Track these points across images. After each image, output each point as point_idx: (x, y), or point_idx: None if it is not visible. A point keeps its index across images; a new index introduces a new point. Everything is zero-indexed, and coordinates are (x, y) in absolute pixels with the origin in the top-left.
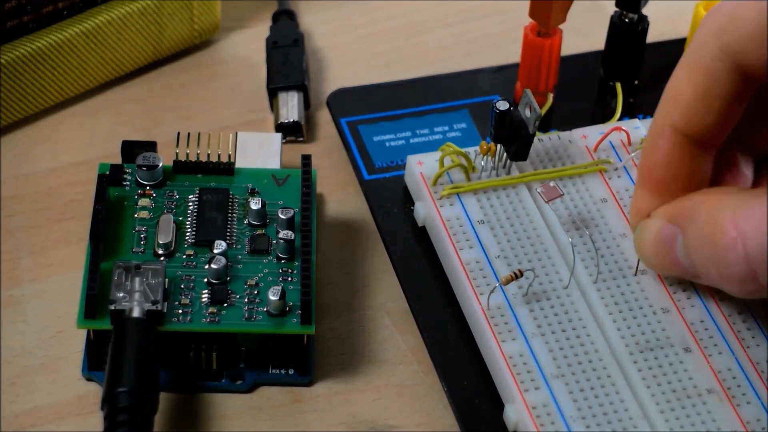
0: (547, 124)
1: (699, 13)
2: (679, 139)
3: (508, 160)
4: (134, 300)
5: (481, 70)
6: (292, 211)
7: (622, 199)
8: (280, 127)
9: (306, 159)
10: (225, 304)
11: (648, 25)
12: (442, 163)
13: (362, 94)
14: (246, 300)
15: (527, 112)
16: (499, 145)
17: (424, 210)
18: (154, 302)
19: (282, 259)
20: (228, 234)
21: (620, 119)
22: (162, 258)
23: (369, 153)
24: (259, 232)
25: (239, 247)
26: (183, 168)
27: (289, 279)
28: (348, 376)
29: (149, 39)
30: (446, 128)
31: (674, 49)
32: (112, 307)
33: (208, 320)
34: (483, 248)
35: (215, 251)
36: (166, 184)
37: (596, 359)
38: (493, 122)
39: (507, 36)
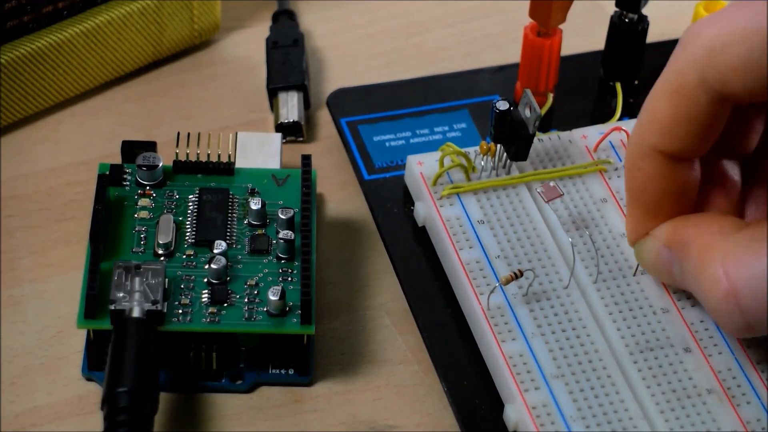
0: (547, 124)
1: (699, 13)
2: (661, 158)
3: (508, 160)
4: (134, 300)
5: (481, 70)
6: (292, 211)
7: (622, 199)
8: (280, 127)
9: (306, 159)
10: (225, 304)
11: (648, 25)
12: (442, 163)
13: (362, 94)
14: (246, 300)
15: (527, 112)
16: (499, 145)
17: (424, 210)
18: (154, 302)
19: (282, 259)
20: (228, 234)
21: (620, 119)
22: (162, 258)
23: (369, 153)
24: (259, 232)
25: (239, 247)
26: (183, 168)
27: (289, 279)
28: (348, 376)
29: (149, 39)
30: (446, 128)
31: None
32: (112, 307)
33: (208, 320)
34: (483, 248)
35: (215, 251)
36: (166, 184)
37: (596, 359)
38: (493, 122)
39: (507, 36)
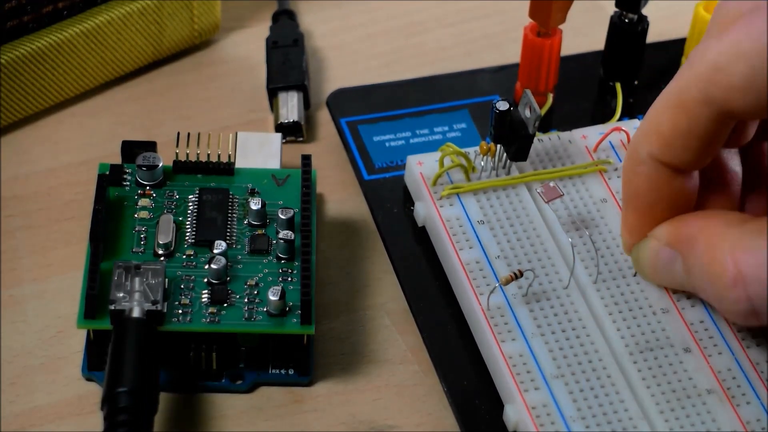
0: (547, 124)
1: (699, 13)
2: (659, 166)
3: (508, 160)
4: (134, 300)
5: (481, 70)
6: (292, 211)
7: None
8: (280, 127)
9: (306, 159)
10: (225, 304)
11: (648, 25)
12: (442, 164)
13: (362, 94)
14: (246, 300)
15: (527, 112)
16: (499, 145)
17: (424, 210)
18: (154, 302)
19: (282, 259)
20: (228, 234)
21: (620, 119)
22: (162, 258)
23: (369, 153)
24: (259, 232)
25: (239, 247)
26: (183, 168)
27: (289, 279)
28: (348, 376)
29: (149, 39)
30: (446, 128)
31: (674, 49)
32: (112, 307)
33: (208, 320)
34: (483, 248)
35: (215, 251)
36: (166, 184)
37: (596, 359)
38: (493, 122)
39: (507, 36)
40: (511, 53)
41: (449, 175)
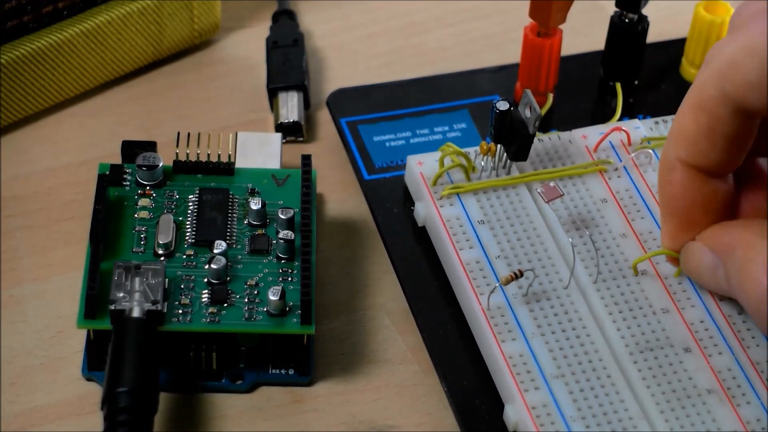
0: (547, 124)
1: (699, 13)
2: (690, 171)
3: (508, 160)
4: (134, 300)
5: (481, 70)
6: (292, 211)
7: (622, 199)
8: (280, 127)
9: (306, 159)
10: (225, 304)
11: (648, 25)
12: (442, 163)
13: (362, 94)
14: (246, 300)
15: (527, 112)
16: (499, 145)
17: (424, 210)
18: (154, 302)
19: (282, 259)
20: (228, 234)
21: (620, 119)
22: (162, 258)
23: (369, 153)
24: (259, 232)
25: (239, 247)
26: (183, 168)
27: (289, 279)
28: (348, 376)
29: (149, 39)
30: (446, 128)
31: (674, 49)
32: (112, 307)
33: (208, 320)
34: (483, 248)
35: (215, 251)
36: (166, 184)
37: (596, 359)
38: (493, 122)
39: (507, 36)
40: (511, 53)
41: (449, 175)
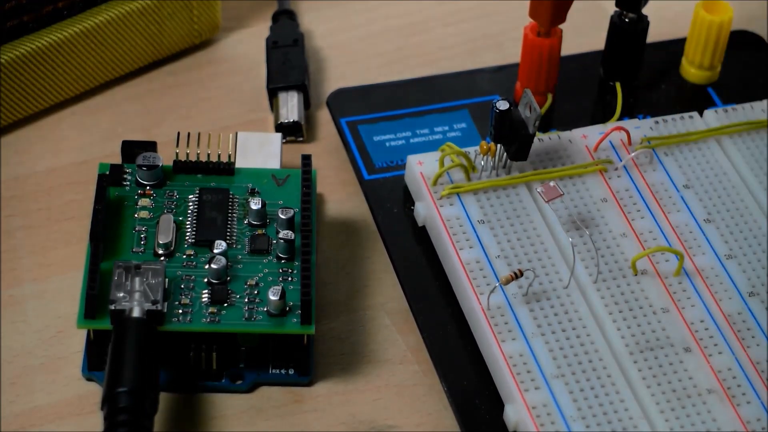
0: (547, 124)
1: (699, 13)
2: None
3: (508, 160)
4: (134, 300)
5: (481, 70)
6: (292, 211)
7: (622, 199)
8: (280, 127)
9: (306, 159)
10: (225, 304)
11: (648, 25)
12: (442, 163)
13: (362, 94)
14: (246, 300)
15: (527, 112)
16: (499, 145)
17: (424, 210)
18: (154, 302)
19: (282, 259)
20: (228, 234)
21: (620, 119)
22: (162, 258)
23: (369, 153)
24: (259, 232)
25: (239, 247)
26: (183, 168)
27: (289, 279)
28: (348, 376)
29: (149, 39)
30: (446, 128)
31: (674, 49)
32: (112, 307)
33: (208, 320)
34: (483, 248)
35: (215, 251)
36: (166, 184)
37: (596, 359)
38: (493, 122)
39: (507, 36)
40: (511, 53)
41: (449, 174)
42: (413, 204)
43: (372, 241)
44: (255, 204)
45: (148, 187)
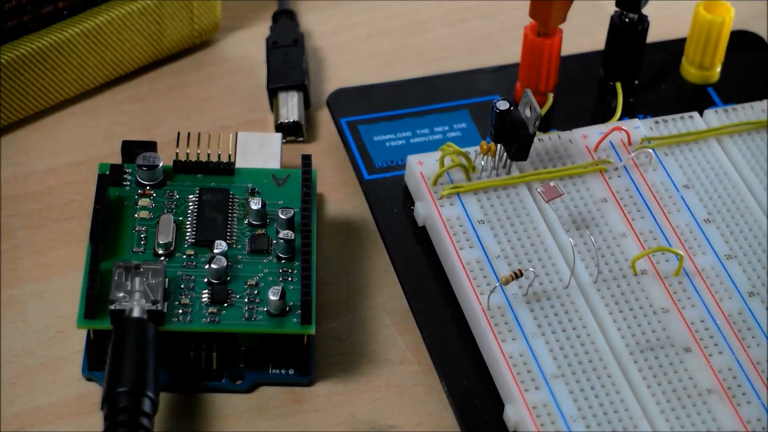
0: (547, 124)
1: (699, 13)
2: None
3: (508, 160)
4: (134, 300)
5: (481, 70)
6: (292, 211)
7: (622, 199)
8: (280, 127)
9: (306, 159)
10: (225, 304)
11: (648, 25)
12: (442, 163)
13: (362, 94)
14: (246, 300)
15: (527, 112)
16: (499, 145)
17: (424, 210)
18: (154, 302)
19: (282, 259)
20: (228, 234)
21: (620, 119)
22: (162, 258)
23: (369, 153)
24: (259, 232)
25: (239, 247)
26: (183, 168)
27: (289, 279)
28: (348, 376)
29: (149, 39)
30: (446, 128)
31: (674, 49)
32: (112, 307)
33: (208, 320)
34: (483, 248)
35: (215, 251)
36: (166, 184)
37: (596, 359)
38: (493, 122)
39: (507, 36)
40: (511, 53)
41: (449, 174)
42: (413, 204)
43: (372, 241)
44: (255, 204)
45: (148, 187)
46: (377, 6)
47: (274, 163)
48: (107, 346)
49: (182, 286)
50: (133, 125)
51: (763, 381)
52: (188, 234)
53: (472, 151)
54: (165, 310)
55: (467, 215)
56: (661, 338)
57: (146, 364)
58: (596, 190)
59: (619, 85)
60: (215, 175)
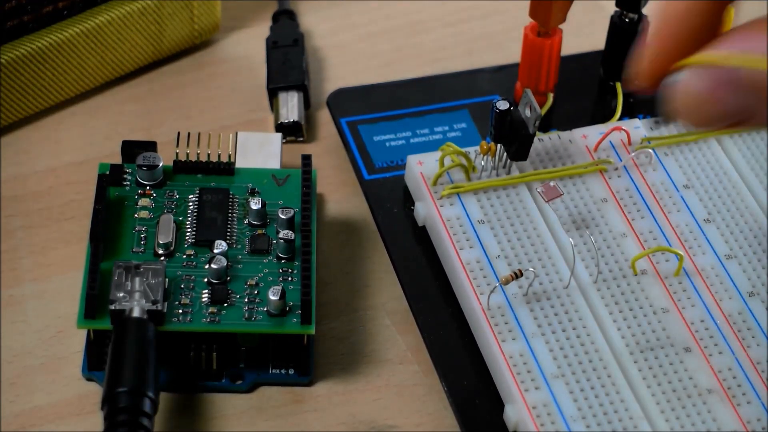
0: (547, 124)
1: None
2: None
3: (508, 160)
4: (134, 300)
5: (481, 70)
6: (292, 211)
7: (622, 199)
8: (280, 127)
9: (306, 159)
10: (225, 304)
11: (648, 25)
12: (442, 163)
13: (362, 94)
14: (246, 300)
15: (527, 112)
16: (499, 145)
17: (424, 210)
18: (154, 302)
19: (282, 259)
20: (228, 234)
21: (620, 119)
22: (162, 258)
23: (369, 153)
24: (259, 232)
25: (239, 247)
26: (183, 168)
27: (289, 279)
28: (348, 376)
29: (149, 39)
30: (446, 128)
31: None
32: (112, 307)
33: (208, 320)
34: (483, 248)
35: (215, 251)
36: (166, 184)
37: (596, 359)
38: (493, 122)
39: (507, 36)
40: (511, 53)
41: (449, 174)
42: (413, 204)
43: (372, 241)
44: (255, 204)
45: (148, 187)
46: (377, 6)
47: (274, 163)
48: (107, 346)
49: (182, 286)
50: (133, 125)
51: (763, 381)
52: (188, 234)
53: (472, 151)
54: (165, 310)
55: (467, 215)
56: (661, 338)
57: (146, 364)
58: (596, 190)
59: (619, 85)
60: (215, 175)
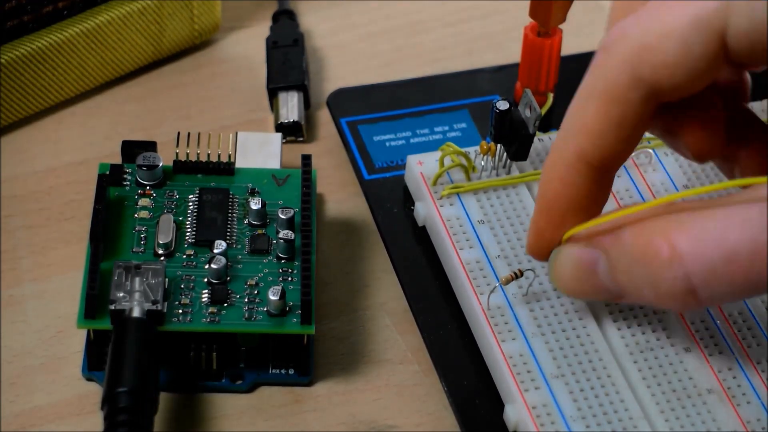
0: (547, 124)
1: None
2: (584, 168)
3: (508, 160)
4: (134, 300)
5: (481, 70)
6: (292, 211)
7: (622, 199)
8: (280, 127)
9: (306, 159)
10: (225, 304)
11: None
12: (442, 163)
13: (362, 94)
14: (246, 300)
15: (527, 112)
16: (499, 145)
17: (424, 210)
18: (154, 302)
19: (282, 259)
20: (228, 234)
21: None
22: (162, 258)
23: (369, 153)
24: (259, 232)
25: (239, 247)
26: (183, 168)
27: (289, 279)
28: (348, 376)
29: (149, 39)
30: (446, 128)
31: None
32: (112, 307)
33: (208, 320)
34: (483, 248)
35: (215, 251)
36: (166, 184)
37: (596, 359)
38: (493, 122)
39: (507, 36)
40: (511, 53)
41: (449, 174)
42: (413, 204)
43: (372, 241)
44: (255, 204)
45: (148, 187)
46: (377, 6)
47: (274, 163)
48: (107, 346)
49: (182, 286)
50: (133, 125)
51: (763, 381)
52: (188, 234)
53: (472, 151)
54: (165, 310)
55: (467, 215)
56: (661, 338)
57: (146, 364)
58: None
59: None
60: (215, 175)
